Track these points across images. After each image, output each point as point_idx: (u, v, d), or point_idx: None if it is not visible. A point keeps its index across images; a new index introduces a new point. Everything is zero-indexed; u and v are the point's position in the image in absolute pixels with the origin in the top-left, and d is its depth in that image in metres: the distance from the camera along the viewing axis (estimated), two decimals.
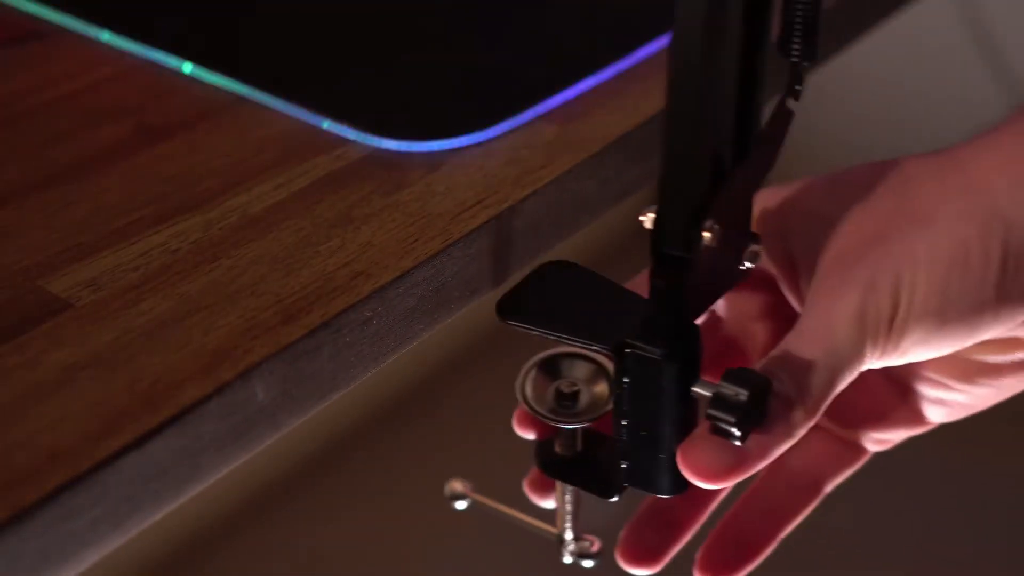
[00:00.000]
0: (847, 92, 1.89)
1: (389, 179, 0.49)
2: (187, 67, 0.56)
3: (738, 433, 0.40)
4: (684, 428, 0.43)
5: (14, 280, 0.42)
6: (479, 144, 0.51)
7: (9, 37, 0.59)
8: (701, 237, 0.40)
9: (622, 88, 0.54)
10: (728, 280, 0.44)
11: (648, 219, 0.41)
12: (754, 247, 0.44)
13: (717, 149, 0.40)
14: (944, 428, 0.51)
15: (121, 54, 0.57)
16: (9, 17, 0.60)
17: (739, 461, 0.41)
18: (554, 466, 0.48)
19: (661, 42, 0.58)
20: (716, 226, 0.40)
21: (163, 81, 0.55)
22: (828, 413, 0.49)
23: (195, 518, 1.52)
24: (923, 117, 1.90)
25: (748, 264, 0.44)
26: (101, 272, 0.43)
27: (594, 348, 0.43)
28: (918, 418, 0.50)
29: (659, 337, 0.41)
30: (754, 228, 0.45)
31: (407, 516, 1.58)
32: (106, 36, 0.58)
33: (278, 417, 0.40)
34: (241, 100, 0.54)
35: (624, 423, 0.43)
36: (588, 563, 0.51)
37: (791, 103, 0.42)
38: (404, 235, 0.45)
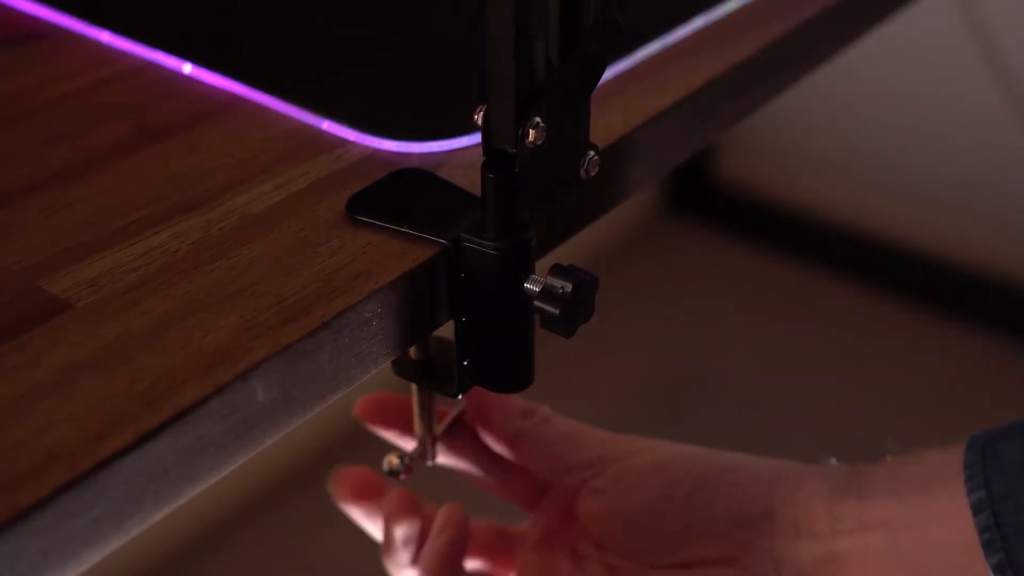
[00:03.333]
0: (847, 92, 1.89)
1: None
2: (187, 67, 0.56)
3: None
4: (519, 324, 0.45)
5: (14, 280, 0.42)
6: (479, 144, 0.51)
7: (9, 37, 0.59)
8: (527, 133, 0.41)
9: (621, 88, 0.54)
10: (567, 186, 0.46)
11: (479, 116, 0.42)
12: (592, 155, 0.46)
13: (539, 48, 0.41)
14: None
15: (121, 54, 0.57)
16: (9, 17, 0.60)
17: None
18: (406, 369, 0.52)
19: (660, 43, 0.58)
20: (541, 124, 0.42)
21: (163, 81, 0.55)
22: None
23: (195, 518, 1.52)
24: (923, 117, 1.90)
25: (589, 172, 0.46)
26: (101, 272, 0.43)
27: (434, 240, 0.44)
28: None
29: (492, 231, 0.43)
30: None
31: None
32: (106, 36, 0.58)
33: (278, 417, 0.40)
34: (241, 100, 0.53)
35: (462, 319, 0.45)
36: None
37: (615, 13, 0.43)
38: (404, 235, 0.45)
